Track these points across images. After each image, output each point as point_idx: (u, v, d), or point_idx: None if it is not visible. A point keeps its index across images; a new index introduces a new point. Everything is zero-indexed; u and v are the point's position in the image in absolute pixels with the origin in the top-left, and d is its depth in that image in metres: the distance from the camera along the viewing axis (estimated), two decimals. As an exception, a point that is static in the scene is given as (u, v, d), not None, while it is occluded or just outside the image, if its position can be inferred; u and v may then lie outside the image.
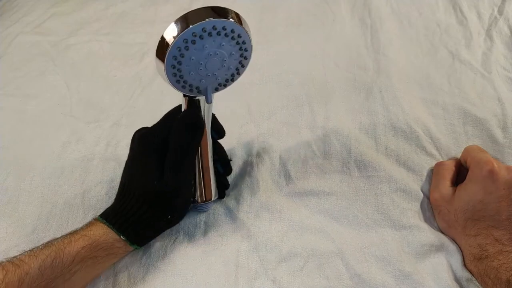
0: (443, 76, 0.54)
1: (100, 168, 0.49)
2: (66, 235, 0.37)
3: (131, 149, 0.42)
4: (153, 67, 0.61)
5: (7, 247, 0.42)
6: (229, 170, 0.46)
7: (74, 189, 0.47)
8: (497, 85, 0.52)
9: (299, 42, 0.63)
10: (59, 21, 0.72)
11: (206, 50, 0.33)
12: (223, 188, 0.46)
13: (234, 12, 0.34)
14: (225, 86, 0.38)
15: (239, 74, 0.37)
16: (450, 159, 0.46)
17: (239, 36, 0.34)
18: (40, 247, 0.36)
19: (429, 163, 0.46)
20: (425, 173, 0.46)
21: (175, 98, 0.56)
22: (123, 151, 0.50)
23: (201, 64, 0.34)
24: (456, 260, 0.39)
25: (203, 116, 0.40)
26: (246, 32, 0.34)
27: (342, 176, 0.46)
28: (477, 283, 0.37)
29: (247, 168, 0.48)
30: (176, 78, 0.34)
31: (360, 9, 0.65)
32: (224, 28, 0.32)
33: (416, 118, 0.50)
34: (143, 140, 0.41)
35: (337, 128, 0.50)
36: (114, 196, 0.46)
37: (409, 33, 0.61)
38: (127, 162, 0.42)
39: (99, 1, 0.74)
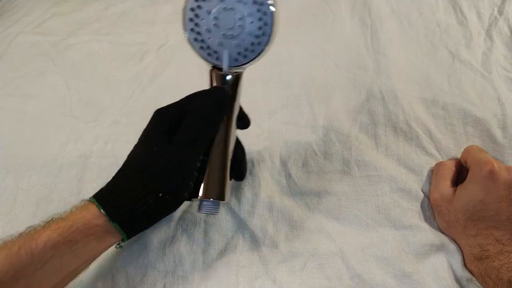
0: (443, 76, 0.54)
1: (97, 165, 0.49)
2: (45, 220, 0.34)
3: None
4: (153, 67, 0.61)
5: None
6: (243, 174, 0.40)
7: (70, 186, 0.47)
8: (497, 85, 0.52)
9: (299, 42, 0.62)
10: (59, 21, 0.72)
11: (223, 3, 0.33)
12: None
13: None
14: (245, 57, 0.35)
15: (260, 44, 0.35)
16: (450, 159, 0.46)
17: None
18: (13, 236, 0.33)
19: (429, 163, 0.46)
20: (425, 173, 0.46)
21: (175, 98, 0.56)
22: (122, 148, 0.50)
23: (216, 18, 0.34)
24: (456, 260, 0.39)
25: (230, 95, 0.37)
26: None
27: (343, 176, 0.46)
28: (477, 283, 0.37)
29: (248, 168, 0.48)
30: (195, 34, 0.35)
31: (360, 9, 0.65)
32: None
33: (416, 118, 0.50)
34: (157, 114, 0.38)
35: (338, 128, 0.50)
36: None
37: (409, 33, 0.61)
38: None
39: (99, 1, 0.74)
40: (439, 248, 0.40)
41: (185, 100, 0.38)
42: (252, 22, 0.34)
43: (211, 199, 0.36)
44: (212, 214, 0.37)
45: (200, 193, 0.36)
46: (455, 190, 0.41)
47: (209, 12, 0.34)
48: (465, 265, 0.39)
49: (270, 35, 0.35)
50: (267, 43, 0.35)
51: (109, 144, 0.51)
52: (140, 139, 0.38)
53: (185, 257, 0.41)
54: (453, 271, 0.39)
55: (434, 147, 0.48)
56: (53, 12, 0.73)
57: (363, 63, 0.58)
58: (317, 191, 0.45)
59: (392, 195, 0.44)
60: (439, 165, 0.45)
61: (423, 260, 0.39)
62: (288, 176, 0.47)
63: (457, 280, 0.38)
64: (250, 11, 0.34)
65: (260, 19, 0.34)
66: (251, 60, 0.36)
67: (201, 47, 0.35)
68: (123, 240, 0.36)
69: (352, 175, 0.46)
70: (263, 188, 0.46)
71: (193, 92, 0.38)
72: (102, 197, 0.35)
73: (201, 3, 0.34)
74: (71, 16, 0.72)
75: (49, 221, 0.33)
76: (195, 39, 0.35)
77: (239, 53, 0.36)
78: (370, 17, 0.64)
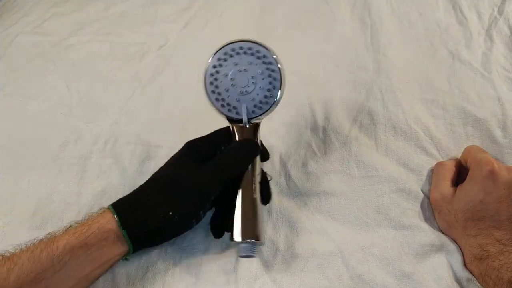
0: (443, 76, 0.54)
1: (97, 165, 0.49)
2: (65, 226, 0.36)
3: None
4: (153, 67, 0.61)
5: (4, 246, 0.42)
6: (268, 199, 0.42)
7: (70, 187, 0.47)
8: (497, 85, 0.52)
9: (299, 42, 0.62)
10: (59, 21, 0.72)
11: (237, 66, 0.40)
12: None
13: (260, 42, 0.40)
14: (260, 109, 0.41)
15: (272, 97, 0.41)
16: (450, 159, 0.46)
17: (264, 56, 0.40)
18: (35, 240, 0.35)
19: (429, 163, 0.46)
20: (425, 173, 0.46)
21: (175, 98, 0.57)
22: (121, 149, 0.51)
23: (232, 79, 0.40)
24: (456, 260, 0.39)
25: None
26: (271, 54, 0.40)
27: (342, 176, 0.46)
28: (478, 283, 0.37)
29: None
30: (215, 95, 0.40)
31: (360, 9, 0.65)
32: (249, 48, 0.40)
33: (416, 118, 0.50)
34: (187, 145, 0.41)
35: (337, 128, 0.50)
36: (110, 193, 0.46)
37: (409, 33, 0.61)
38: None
39: (99, 1, 0.74)
40: (439, 248, 0.40)
41: (214, 135, 0.42)
42: (263, 78, 0.40)
43: (250, 240, 0.37)
44: (252, 255, 0.37)
45: (236, 236, 0.37)
46: (455, 190, 0.41)
47: (226, 75, 0.40)
48: (465, 265, 0.39)
49: (279, 88, 0.40)
50: (278, 95, 0.40)
51: (109, 145, 0.51)
52: (167, 163, 0.41)
53: (185, 257, 0.41)
54: (453, 271, 0.39)
55: (434, 147, 0.48)
56: (53, 12, 0.73)
57: (363, 63, 0.58)
58: (316, 192, 0.45)
59: (392, 195, 0.44)
60: (439, 165, 0.45)
61: (423, 260, 0.39)
62: (288, 176, 0.47)
63: (457, 280, 0.38)
64: (261, 70, 0.40)
65: (269, 75, 0.40)
66: (266, 111, 0.41)
67: (222, 105, 0.41)
68: (129, 252, 0.37)
69: (352, 175, 0.46)
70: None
71: (219, 127, 0.42)
72: (118, 205, 0.37)
73: (218, 69, 0.40)
74: (71, 16, 0.72)
75: (69, 227, 0.36)
76: (216, 99, 0.41)
77: (255, 106, 0.41)
78: (370, 17, 0.64)
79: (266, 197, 0.41)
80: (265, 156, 0.44)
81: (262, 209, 0.39)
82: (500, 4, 0.62)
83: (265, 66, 0.40)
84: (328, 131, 0.50)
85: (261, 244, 0.39)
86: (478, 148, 0.43)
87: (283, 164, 0.48)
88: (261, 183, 0.40)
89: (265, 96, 0.40)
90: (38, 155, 0.51)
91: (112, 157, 0.50)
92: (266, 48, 0.40)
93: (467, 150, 0.43)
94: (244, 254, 0.37)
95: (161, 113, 0.55)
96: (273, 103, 0.41)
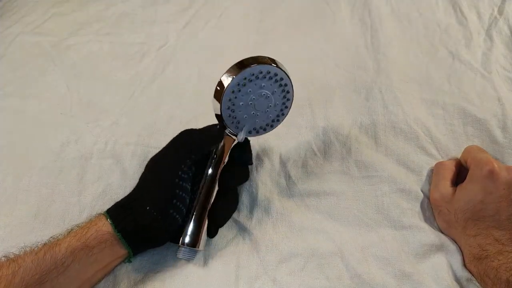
0: (443, 76, 0.54)
1: (98, 166, 0.49)
2: (67, 230, 0.37)
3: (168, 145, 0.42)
4: (153, 67, 0.61)
5: (6, 247, 0.42)
6: (214, 232, 0.42)
7: (71, 187, 0.47)
8: (497, 85, 0.52)
9: (299, 42, 0.62)
10: (59, 22, 0.72)
11: (262, 90, 0.39)
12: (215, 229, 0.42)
13: (271, 58, 0.38)
14: (257, 132, 0.42)
15: (272, 126, 0.42)
16: (450, 159, 0.46)
17: (281, 79, 0.39)
18: (39, 243, 0.36)
19: (429, 163, 0.46)
20: (425, 173, 0.46)
21: (175, 99, 0.57)
22: (121, 149, 0.51)
23: (253, 99, 0.39)
24: (456, 260, 0.39)
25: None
26: (287, 75, 0.39)
27: (342, 176, 0.46)
28: (477, 283, 0.37)
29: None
30: (231, 119, 0.39)
31: (360, 9, 0.65)
32: (276, 74, 0.38)
33: (416, 118, 0.50)
34: (180, 135, 0.42)
35: (337, 128, 0.50)
36: (110, 194, 0.46)
37: (409, 33, 0.61)
38: (157, 154, 0.42)
39: (99, 1, 0.74)
40: (439, 248, 0.40)
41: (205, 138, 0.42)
42: (276, 110, 0.41)
43: (188, 247, 0.39)
44: (188, 259, 0.41)
45: (181, 240, 0.39)
46: (455, 190, 0.41)
47: (249, 95, 0.39)
48: (465, 265, 0.39)
49: (282, 120, 0.43)
50: (278, 126, 0.43)
51: (109, 145, 0.51)
52: (162, 153, 0.41)
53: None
54: (453, 271, 0.39)
55: (434, 147, 0.48)
56: (53, 12, 0.73)
57: (363, 63, 0.58)
58: (316, 192, 0.45)
59: (391, 195, 0.44)
60: (439, 165, 0.45)
61: (423, 260, 0.39)
62: (288, 177, 0.47)
63: (457, 280, 0.38)
64: (279, 102, 0.41)
65: (282, 107, 0.41)
66: (261, 135, 0.43)
67: (229, 115, 0.39)
68: (130, 255, 0.38)
69: (352, 175, 0.46)
70: (263, 189, 0.46)
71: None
72: (112, 209, 0.38)
73: (242, 87, 0.38)
74: (71, 17, 0.72)
75: (70, 230, 0.37)
76: (228, 107, 0.39)
77: (254, 129, 0.42)
78: (370, 17, 0.64)
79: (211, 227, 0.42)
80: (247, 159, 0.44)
81: (205, 219, 0.40)
82: (500, 4, 0.62)
83: (283, 96, 0.40)
84: (328, 131, 0.50)
85: (201, 251, 0.41)
86: (478, 148, 0.43)
87: (283, 164, 0.48)
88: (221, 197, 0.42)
89: (267, 124, 0.42)
90: (38, 155, 0.51)
91: (112, 158, 0.50)
92: (290, 80, 0.40)
93: (467, 150, 0.43)
94: (180, 257, 0.40)
95: (161, 114, 0.55)
96: (270, 131, 0.43)
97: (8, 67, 0.64)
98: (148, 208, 0.37)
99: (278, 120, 0.42)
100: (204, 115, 0.44)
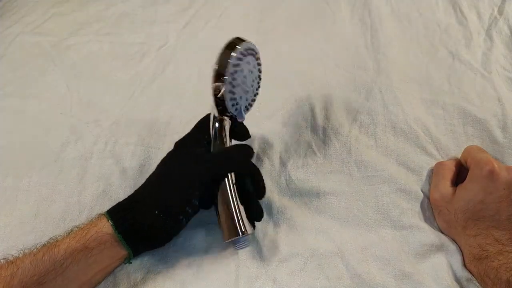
0: (443, 76, 0.54)
1: (98, 166, 0.49)
2: (66, 231, 0.37)
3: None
4: (153, 67, 0.61)
5: (6, 247, 0.42)
6: (262, 190, 0.41)
7: (71, 187, 0.47)
8: (497, 85, 0.52)
9: (299, 42, 0.62)
10: (59, 22, 0.72)
11: (248, 66, 0.40)
12: (255, 216, 0.41)
13: (241, 37, 0.40)
14: (247, 109, 0.43)
15: (254, 100, 0.43)
16: (450, 159, 0.46)
17: (256, 53, 0.41)
18: (38, 245, 0.36)
19: (429, 163, 0.46)
20: (425, 173, 0.46)
21: (175, 99, 0.57)
22: (121, 149, 0.51)
23: (245, 77, 0.39)
24: (456, 260, 0.39)
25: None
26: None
27: (342, 176, 0.46)
28: (477, 283, 0.37)
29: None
30: (232, 101, 0.39)
31: (360, 9, 0.65)
32: (251, 49, 0.40)
33: (416, 118, 0.50)
34: (178, 143, 0.42)
35: (337, 128, 0.50)
36: (110, 194, 0.46)
37: (409, 33, 0.61)
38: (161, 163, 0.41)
39: (99, 1, 0.74)
40: (439, 248, 0.40)
41: (199, 129, 0.42)
42: (258, 81, 0.43)
43: (233, 238, 0.38)
44: (245, 247, 0.40)
45: (225, 238, 0.39)
46: (455, 190, 0.41)
47: (243, 73, 0.39)
48: (465, 265, 0.39)
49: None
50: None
51: (109, 145, 0.51)
52: (158, 164, 0.41)
53: (185, 257, 0.41)
54: (453, 271, 0.39)
55: (434, 147, 0.48)
56: (53, 12, 0.73)
57: (363, 63, 0.58)
58: (316, 192, 0.45)
59: (391, 195, 0.44)
60: (439, 165, 0.45)
61: (423, 260, 0.39)
62: (288, 176, 0.47)
63: (457, 280, 0.38)
64: (257, 74, 0.42)
65: (259, 69, 0.43)
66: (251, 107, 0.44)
67: (232, 104, 0.39)
68: (130, 256, 0.38)
69: (352, 175, 0.46)
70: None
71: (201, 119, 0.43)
72: (112, 210, 0.38)
73: (237, 68, 0.38)
74: (71, 17, 0.72)
75: (70, 231, 0.37)
76: (230, 84, 0.38)
77: (245, 106, 0.42)
78: (370, 17, 0.64)
79: (256, 193, 0.41)
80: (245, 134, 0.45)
81: (238, 204, 0.39)
82: (500, 4, 0.62)
83: (258, 69, 0.42)
84: (328, 131, 0.50)
85: (247, 235, 0.39)
86: (478, 148, 0.43)
87: (283, 164, 0.48)
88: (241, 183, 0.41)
89: (252, 100, 0.43)
90: (38, 155, 0.51)
91: (112, 158, 0.50)
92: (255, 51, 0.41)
93: (467, 150, 0.43)
94: (237, 248, 0.40)
95: (161, 114, 0.55)
96: (253, 106, 0.43)
97: (8, 67, 0.64)
98: (156, 212, 0.37)
99: (257, 94, 0.43)
100: (204, 115, 0.44)
